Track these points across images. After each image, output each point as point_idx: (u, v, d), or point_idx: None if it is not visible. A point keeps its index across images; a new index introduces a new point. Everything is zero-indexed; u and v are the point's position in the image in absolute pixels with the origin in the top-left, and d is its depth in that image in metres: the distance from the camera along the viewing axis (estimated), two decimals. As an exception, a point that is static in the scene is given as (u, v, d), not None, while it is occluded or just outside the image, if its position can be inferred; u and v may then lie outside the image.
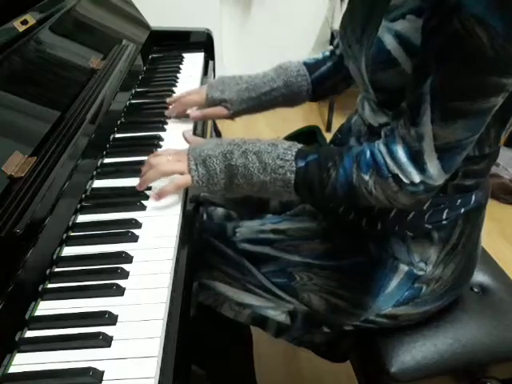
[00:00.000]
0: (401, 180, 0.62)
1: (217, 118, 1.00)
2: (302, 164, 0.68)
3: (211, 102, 0.95)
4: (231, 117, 0.97)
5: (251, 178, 0.71)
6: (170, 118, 1.00)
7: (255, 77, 0.96)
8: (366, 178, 0.65)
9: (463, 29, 0.53)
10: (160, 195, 0.75)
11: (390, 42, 0.63)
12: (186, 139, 0.87)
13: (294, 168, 0.68)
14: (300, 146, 0.71)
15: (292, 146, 0.71)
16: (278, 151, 0.70)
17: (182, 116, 1.00)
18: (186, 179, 0.74)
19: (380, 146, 0.65)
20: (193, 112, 0.97)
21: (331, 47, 0.99)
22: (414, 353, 0.79)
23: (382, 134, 0.66)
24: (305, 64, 0.96)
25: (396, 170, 0.62)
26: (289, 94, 0.95)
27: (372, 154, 0.65)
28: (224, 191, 0.75)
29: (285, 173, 0.69)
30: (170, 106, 1.01)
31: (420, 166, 0.61)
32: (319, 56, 0.99)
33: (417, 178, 0.62)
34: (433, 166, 0.61)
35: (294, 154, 0.69)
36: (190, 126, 0.99)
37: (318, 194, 0.69)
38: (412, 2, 0.60)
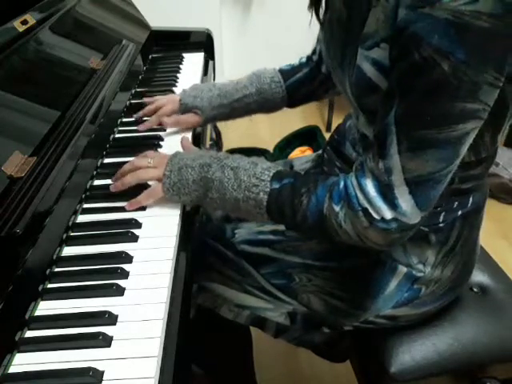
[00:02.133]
0: (371, 215, 0.59)
1: (189, 126, 0.98)
2: (276, 186, 0.67)
3: (184, 109, 0.97)
4: (203, 124, 0.98)
5: (225, 193, 0.70)
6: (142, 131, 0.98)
7: (228, 84, 0.96)
8: (337, 209, 0.62)
9: (422, 59, 0.52)
10: (132, 204, 0.75)
11: (368, 69, 0.62)
12: (182, 145, 0.88)
13: (268, 189, 0.67)
14: (280, 168, 0.70)
15: (271, 167, 0.69)
16: (256, 170, 0.69)
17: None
18: (157, 189, 0.74)
19: (352, 178, 0.63)
20: (166, 119, 0.97)
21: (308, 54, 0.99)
22: (413, 353, 0.79)
23: (354, 167, 0.64)
24: (280, 71, 0.97)
25: (366, 204, 0.60)
26: (262, 101, 0.95)
27: (345, 185, 0.62)
28: (196, 203, 0.74)
29: (258, 192, 0.67)
30: (145, 118, 0.99)
31: (390, 201, 0.58)
32: (295, 62, 0.99)
33: (388, 214, 0.59)
34: (405, 201, 0.58)
35: (270, 174, 0.68)
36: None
37: (288, 219, 0.67)
38: (382, 31, 0.59)
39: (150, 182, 0.77)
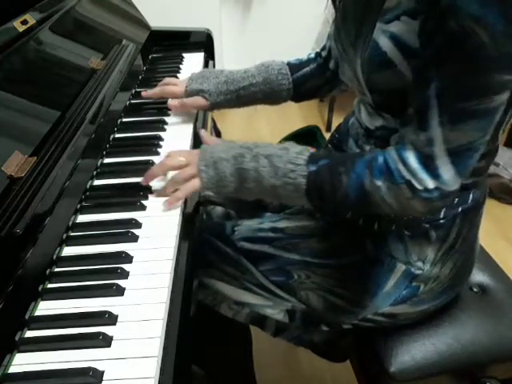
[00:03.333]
0: (414, 186, 0.61)
1: (196, 108, 1.00)
2: (313, 168, 0.67)
3: (190, 93, 0.97)
4: (210, 108, 0.98)
5: (262, 181, 0.70)
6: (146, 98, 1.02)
7: (236, 72, 0.97)
8: (379, 183, 0.63)
9: (461, 30, 0.52)
10: (171, 202, 0.75)
11: (385, 43, 0.63)
12: (202, 138, 0.88)
13: (306, 172, 0.68)
14: (312, 150, 0.70)
15: (304, 150, 0.70)
16: (290, 155, 0.69)
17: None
18: (195, 183, 0.74)
19: (392, 152, 0.63)
20: (171, 101, 0.98)
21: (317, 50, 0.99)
22: (413, 353, 0.79)
23: (392, 141, 0.65)
24: (288, 64, 0.97)
25: (408, 177, 0.61)
26: (268, 91, 0.96)
27: (385, 159, 0.63)
28: (234, 194, 0.74)
29: (296, 177, 0.68)
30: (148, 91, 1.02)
31: (433, 172, 0.60)
32: (303, 57, 0.99)
33: (431, 183, 0.60)
34: (446, 170, 0.60)
35: (305, 158, 0.69)
36: (189, 126, 0.99)
37: (329, 199, 0.68)
38: (406, 3, 0.60)
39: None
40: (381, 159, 0.64)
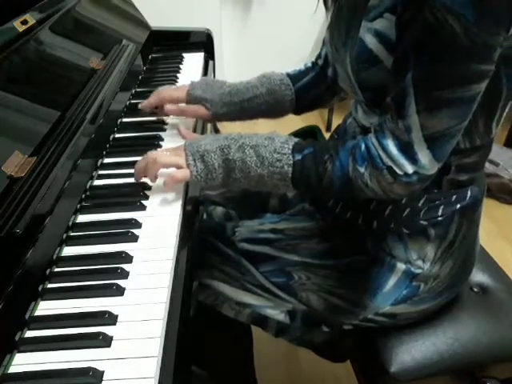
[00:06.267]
0: (395, 171, 0.63)
1: (194, 117, 0.98)
2: (298, 157, 0.69)
3: (192, 100, 0.93)
4: (210, 119, 0.96)
5: (249, 171, 0.72)
6: (145, 111, 0.98)
7: (239, 83, 0.95)
8: (362, 170, 0.65)
9: (435, 19, 0.54)
10: (168, 185, 0.75)
11: (370, 40, 0.65)
12: (181, 133, 0.87)
13: (291, 161, 0.69)
14: (296, 139, 0.72)
15: (288, 139, 0.72)
16: (275, 145, 0.71)
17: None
18: (185, 173, 0.74)
19: (372, 139, 0.65)
20: (169, 105, 0.94)
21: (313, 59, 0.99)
22: (413, 352, 0.79)
23: (372, 128, 0.67)
24: (288, 75, 0.96)
25: (389, 163, 0.63)
26: (272, 103, 0.95)
27: (367, 146, 0.66)
28: (222, 186, 0.75)
29: (282, 166, 0.70)
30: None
31: (411, 157, 0.62)
32: (301, 67, 0.99)
33: (410, 168, 0.63)
34: (424, 155, 0.62)
35: (290, 147, 0.70)
36: (189, 126, 0.99)
37: (314, 186, 0.70)
38: (388, 0, 0.62)
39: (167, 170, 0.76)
40: (363, 146, 0.66)
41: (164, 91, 0.96)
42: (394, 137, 0.63)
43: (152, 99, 0.97)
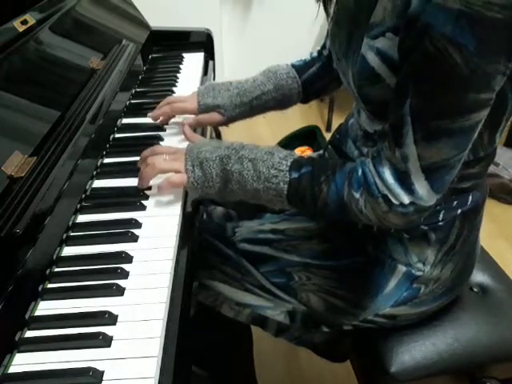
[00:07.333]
0: (390, 201, 0.62)
1: (210, 125, 0.98)
2: (295, 175, 0.68)
3: (204, 109, 0.94)
4: (226, 123, 0.96)
5: (245, 184, 0.71)
6: (154, 120, 0.97)
7: (245, 82, 0.95)
8: (357, 195, 0.64)
9: (435, 49, 0.53)
10: (163, 189, 0.75)
11: (372, 59, 0.63)
12: (185, 134, 0.87)
13: (288, 179, 0.68)
14: (296, 156, 0.71)
15: (288, 156, 0.70)
16: (273, 160, 0.70)
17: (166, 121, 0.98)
18: (182, 178, 0.74)
19: (369, 165, 0.64)
20: (186, 120, 0.94)
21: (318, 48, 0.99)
22: (413, 353, 0.79)
23: (370, 154, 0.65)
24: (293, 66, 0.96)
25: (385, 191, 0.62)
26: (280, 98, 0.95)
27: (363, 172, 0.64)
28: (218, 195, 0.75)
29: (278, 182, 0.69)
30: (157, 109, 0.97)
31: (408, 187, 0.61)
32: (307, 58, 0.99)
33: (406, 199, 0.61)
34: (421, 186, 0.60)
35: (288, 164, 0.69)
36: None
37: (309, 205, 0.69)
38: (389, 20, 0.60)
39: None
40: (360, 171, 0.64)
41: (175, 105, 0.96)
42: (390, 165, 0.61)
43: (165, 113, 0.96)
